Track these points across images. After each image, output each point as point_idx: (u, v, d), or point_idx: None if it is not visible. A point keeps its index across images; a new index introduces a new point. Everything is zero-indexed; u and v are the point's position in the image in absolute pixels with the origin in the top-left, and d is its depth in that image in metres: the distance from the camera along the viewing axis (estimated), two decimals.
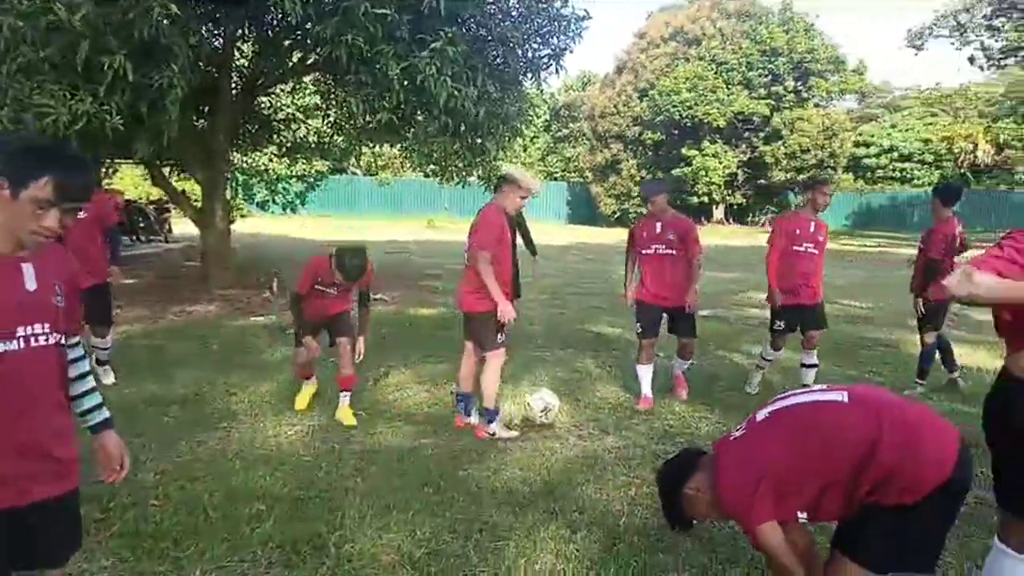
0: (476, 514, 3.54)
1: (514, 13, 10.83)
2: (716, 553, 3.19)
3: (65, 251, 2.05)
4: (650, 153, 34.43)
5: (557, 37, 11.21)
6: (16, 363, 1.79)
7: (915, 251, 6.25)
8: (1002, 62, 29.56)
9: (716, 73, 32.23)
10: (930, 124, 35.71)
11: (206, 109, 11.78)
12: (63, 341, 1.94)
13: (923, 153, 36.87)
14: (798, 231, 5.66)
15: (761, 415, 2.39)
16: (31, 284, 1.84)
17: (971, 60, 29.55)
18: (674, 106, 31.98)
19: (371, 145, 16.10)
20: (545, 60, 11.47)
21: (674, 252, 5.48)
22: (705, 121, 31.58)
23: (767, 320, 6.00)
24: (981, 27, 28.43)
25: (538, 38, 11.13)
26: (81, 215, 1.95)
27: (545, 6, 10.81)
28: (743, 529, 2.40)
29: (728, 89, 31.94)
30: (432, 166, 14.73)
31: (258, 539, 3.26)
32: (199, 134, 11.75)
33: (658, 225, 5.54)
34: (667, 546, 3.26)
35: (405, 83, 9.13)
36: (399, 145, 13.99)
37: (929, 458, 2.08)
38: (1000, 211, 35.59)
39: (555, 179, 42.74)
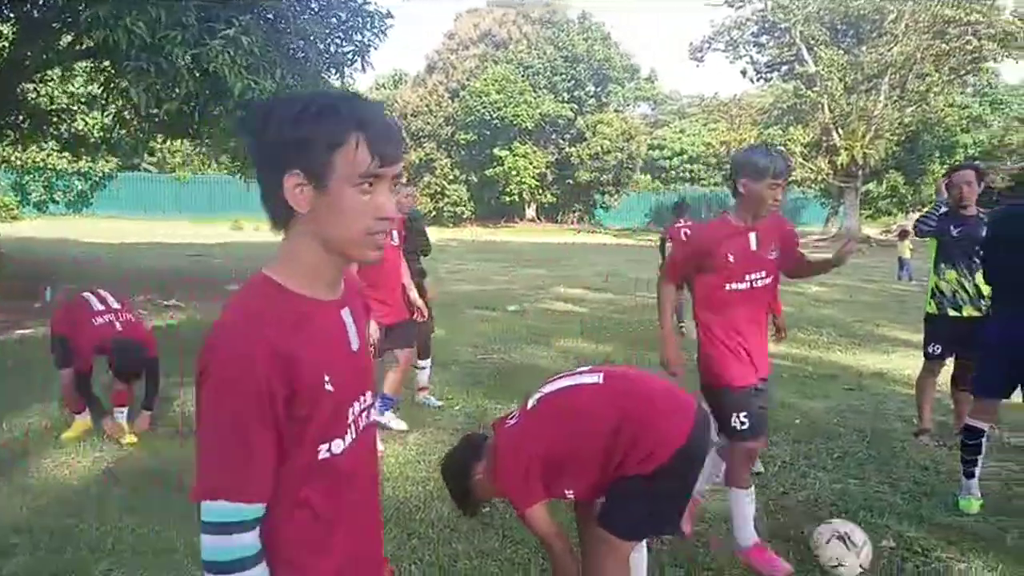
0: None
1: (313, 5, 10.53)
2: (506, 537, 3.31)
3: (356, 279, 1.42)
4: (463, 153, 34.96)
5: (360, 33, 11.04)
6: (352, 459, 1.24)
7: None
8: (768, 75, 33.27)
9: (524, 76, 33.40)
10: (712, 130, 39.40)
11: None
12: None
13: (707, 156, 40.67)
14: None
15: (531, 402, 2.51)
16: (355, 342, 1.26)
17: (743, 73, 32.96)
18: (484, 107, 32.71)
19: (161, 140, 14.94)
20: (349, 56, 11.27)
21: (771, 281, 3.22)
22: (514, 122, 32.63)
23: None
24: (750, 43, 31.82)
25: (340, 33, 10.90)
26: None
27: (345, 1, 10.61)
28: (515, 508, 2.51)
29: (535, 92, 33.23)
30: (237, 163, 13.98)
31: (9, 574, 2.91)
32: None
33: (753, 237, 3.10)
34: (461, 535, 3.33)
35: (195, 73, 8.56)
36: (194, 140, 13.10)
37: (665, 428, 2.29)
38: None
39: None
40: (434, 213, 34.71)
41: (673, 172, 42.35)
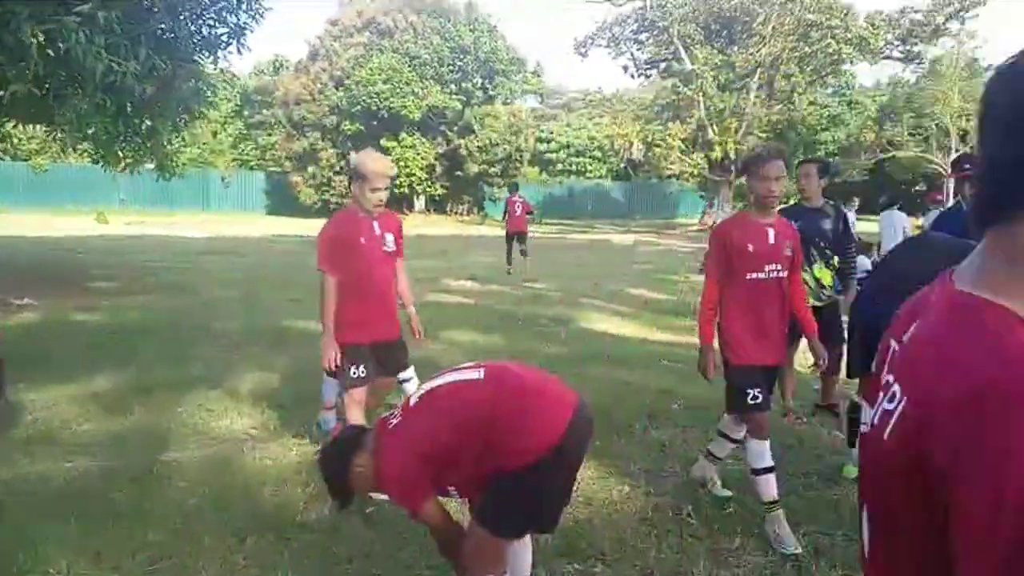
0: (131, 537, 3.17)
1: None
2: (381, 534, 3.24)
3: None
4: (349, 143, 34.10)
5: (235, 14, 10.54)
6: None
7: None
8: (648, 72, 34.43)
9: (410, 67, 32.93)
10: (597, 124, 40.38)
11: None
12: None
13: (593, 149, 41.69)
14: (751, 247, 3.42)
15: (414, 399, 2.46)
16: None
17: (625, 69, 33.95)
18: (370, 97, 32.03)
19: (12, 125, 13.69)
20: (224, 38, 10.73)
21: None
22: (401, 113, 32.14)
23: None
24: (631, 40, 32.80)
25: (213, 13, 10.35)
26: None
27: None
28: (406, 509, 2.47)
29: (422, 83, 32.84)
30: (99, 151, 12.98)
31: None
32: None
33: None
34: (341, 536, 3.23)
35: (48, 52, 7.88)
36: (49, 126, 12.06)
37: (540, 424, 2.29)
38: (654, 199, 41.88)
39: (251, 168, 40.42)
40: (319, 205, 33.71)
41: (560, 165, 43.06)
